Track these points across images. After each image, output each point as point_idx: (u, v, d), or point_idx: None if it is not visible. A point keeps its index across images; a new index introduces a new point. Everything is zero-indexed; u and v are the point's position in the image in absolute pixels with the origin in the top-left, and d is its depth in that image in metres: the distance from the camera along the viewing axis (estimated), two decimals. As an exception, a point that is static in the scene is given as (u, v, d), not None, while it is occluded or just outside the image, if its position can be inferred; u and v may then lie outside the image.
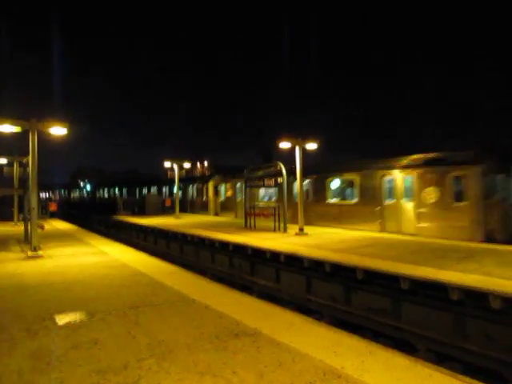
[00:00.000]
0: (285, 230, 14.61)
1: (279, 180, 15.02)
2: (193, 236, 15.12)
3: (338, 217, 15.72)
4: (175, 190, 24.17)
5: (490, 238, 11.08)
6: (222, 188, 24.21)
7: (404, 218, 13.40)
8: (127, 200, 30.94)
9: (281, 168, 15.00)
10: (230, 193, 23.70)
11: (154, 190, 34.42)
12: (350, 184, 15.86)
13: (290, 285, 10.49)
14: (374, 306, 8.24)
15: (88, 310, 5.60)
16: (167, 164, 23.61)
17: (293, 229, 14.63)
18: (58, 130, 10.35)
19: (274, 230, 14.92)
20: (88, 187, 58.65)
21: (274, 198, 19.23)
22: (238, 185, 22.75)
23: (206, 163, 67.81)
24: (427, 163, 12.92)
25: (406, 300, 7.61)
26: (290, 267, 10.44)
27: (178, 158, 23.66)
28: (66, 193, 69.66)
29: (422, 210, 12.70)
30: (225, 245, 12.99)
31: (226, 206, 23.76)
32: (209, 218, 23.13)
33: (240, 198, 22.96)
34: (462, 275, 6.93)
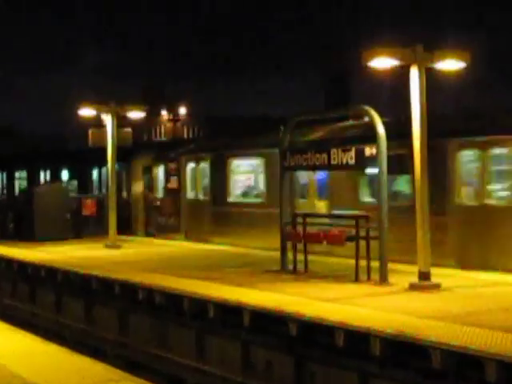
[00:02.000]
0: (383, 279, 14.68)
1: (367, 151, 15.15)
2: (151, 290, 15.27)
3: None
4: (109, 177, 24.72)
5: None
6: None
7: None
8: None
9: (373, 119, 15.20)
10: None
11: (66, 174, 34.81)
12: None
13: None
14: None
15: None
16: (86, 112, 24.30)
17: (401, 274, 14.80)
18: None
19: (356, 279, 15.08)
20: None
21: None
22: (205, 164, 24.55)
23: (183, 111, 68.84)
24: None
25: None
26: (394, 370, 10.50)
27: (113, 102, 24.14)
28: None
29: None
30: (231, 313, 13.05)
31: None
32: (188, 246, 23.64)
33: (193, 191, 25.78)
34: None
